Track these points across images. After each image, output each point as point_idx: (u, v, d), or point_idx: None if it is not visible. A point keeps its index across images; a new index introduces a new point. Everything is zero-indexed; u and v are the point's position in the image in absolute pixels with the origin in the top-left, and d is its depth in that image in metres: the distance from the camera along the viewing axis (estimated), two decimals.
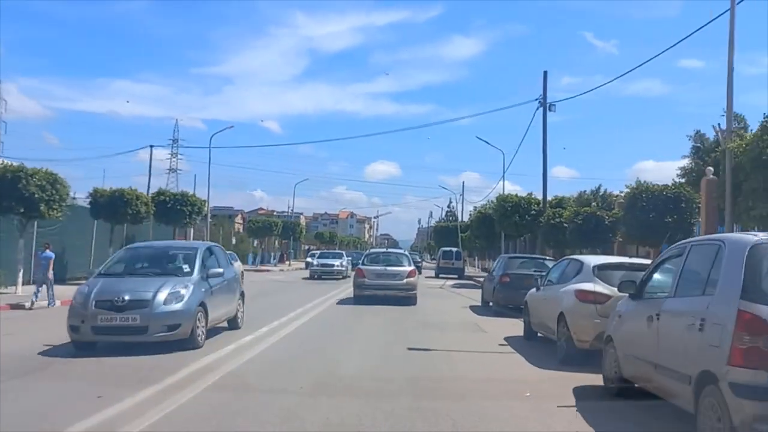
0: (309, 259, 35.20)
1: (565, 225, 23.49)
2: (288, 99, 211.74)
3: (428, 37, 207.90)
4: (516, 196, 28.78)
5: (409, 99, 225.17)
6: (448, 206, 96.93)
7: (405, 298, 16.36)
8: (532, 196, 28.66)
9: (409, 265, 17.45)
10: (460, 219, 58.98)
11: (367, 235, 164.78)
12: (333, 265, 30.96)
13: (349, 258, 34.70)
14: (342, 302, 17.41)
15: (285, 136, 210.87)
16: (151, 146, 35.28)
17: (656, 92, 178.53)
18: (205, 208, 29.30)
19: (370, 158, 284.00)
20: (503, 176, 34.12)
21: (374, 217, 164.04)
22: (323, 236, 79.77)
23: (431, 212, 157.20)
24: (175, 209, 26.82)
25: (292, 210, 68.45)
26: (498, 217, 28.77)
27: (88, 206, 22.19)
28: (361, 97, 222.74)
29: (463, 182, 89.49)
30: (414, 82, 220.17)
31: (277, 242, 57.34)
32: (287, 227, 51.65)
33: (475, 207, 46.13)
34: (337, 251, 38.32)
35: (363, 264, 17.52)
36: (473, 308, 17.18)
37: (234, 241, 49.04)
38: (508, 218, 28.01)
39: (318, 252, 39.44)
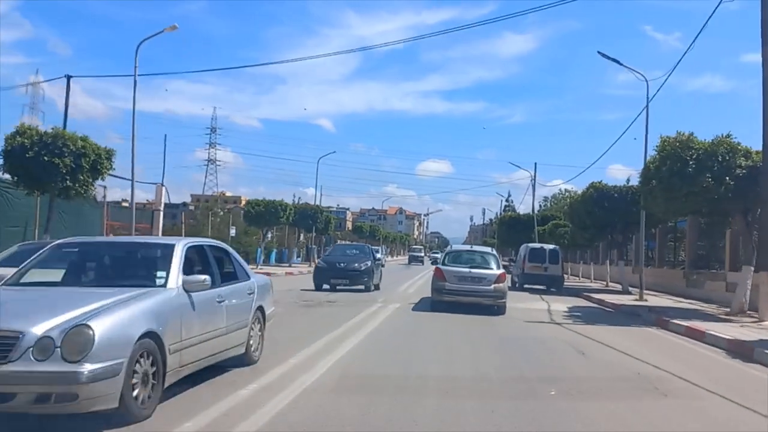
0: None
1: None
2: (339, 98, 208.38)
3: (479, 35, 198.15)
4: (700, 140, 14.61)
5: (461, 97, 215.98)
6: (507, 199, 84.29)
7: (492, 306, 14.07)
8: (734, 141, 14.51)
9: (498, 267, 14.73)
10: (533, 209, 45.73)
11: (416, 232, 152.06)
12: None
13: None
14: None
15: (337, 134, 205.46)
16: (68, 76, 22.28)
17: (718, 88, 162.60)
18: (110, 162, 15.57)
19: (421, 156, 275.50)
20: (646, 107, 19.65)
21: (424, 215, 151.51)
22: (362, 230, 66.15)
23: (484, 209, 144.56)
24: (40, 161, 14.16)
25: (317, 187, 55.06)
26: (660, 180, 14.68)
27: None
28: (412, 95, 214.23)
29: (535, 163, 75.72)
30: (465, 80, 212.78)
31: (301, 235, 44.57)
32: (304, 214, 38.20)
33: (561, 191, 31.50)
34: (218, 245, 7.28)
35: (443, 264, 15.23)
36: None
37: (233, 232, 36.27)
38: (686, 181, 13.99)
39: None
